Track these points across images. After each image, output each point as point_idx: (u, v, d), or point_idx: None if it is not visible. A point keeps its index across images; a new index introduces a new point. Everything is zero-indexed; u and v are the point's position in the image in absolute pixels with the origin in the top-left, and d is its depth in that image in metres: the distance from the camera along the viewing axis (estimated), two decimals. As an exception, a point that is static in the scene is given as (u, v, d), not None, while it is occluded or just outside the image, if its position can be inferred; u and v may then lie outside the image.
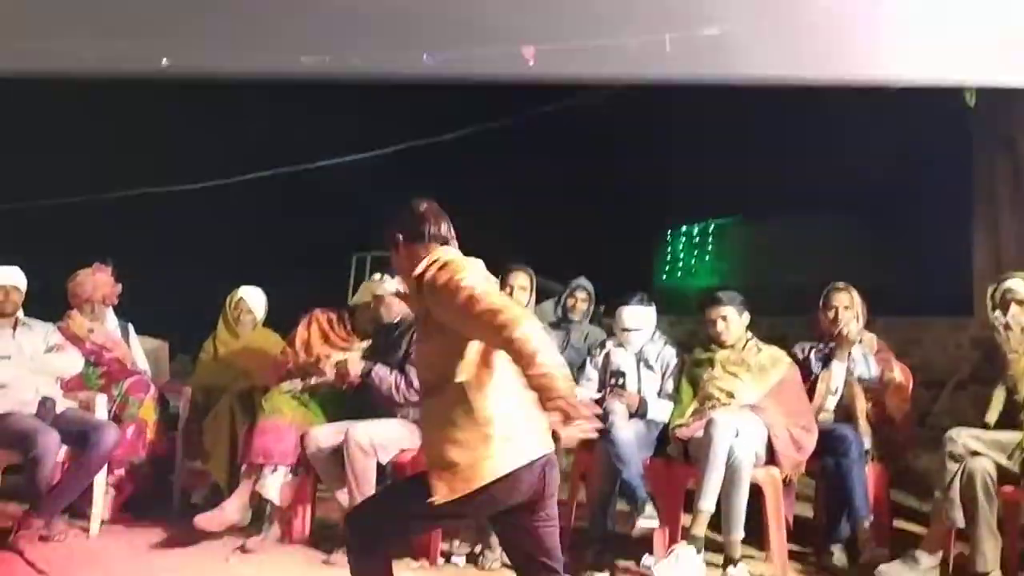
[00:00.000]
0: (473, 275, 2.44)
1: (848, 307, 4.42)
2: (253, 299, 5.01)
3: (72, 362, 4.47)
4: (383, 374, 4.15)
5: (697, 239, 12.59)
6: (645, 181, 10.46)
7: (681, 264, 12.70)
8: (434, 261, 2.48)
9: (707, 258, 12.51)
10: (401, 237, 2.57)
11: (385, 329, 4.38)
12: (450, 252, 2.54)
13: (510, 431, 2.41)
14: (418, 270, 2.48)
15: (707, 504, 3.73)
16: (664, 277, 12.76)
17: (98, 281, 4.86)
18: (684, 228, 12.70)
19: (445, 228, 2.57)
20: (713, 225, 12.44)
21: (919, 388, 4.76)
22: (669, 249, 12.89)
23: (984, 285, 4.55)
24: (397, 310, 4.31)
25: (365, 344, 4.53)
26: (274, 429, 4.19)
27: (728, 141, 9.41)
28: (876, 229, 9.89)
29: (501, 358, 2.40)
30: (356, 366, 4.20)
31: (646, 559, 3.91)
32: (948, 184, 7.62)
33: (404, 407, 4.14)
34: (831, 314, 4.42)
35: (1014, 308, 3.95)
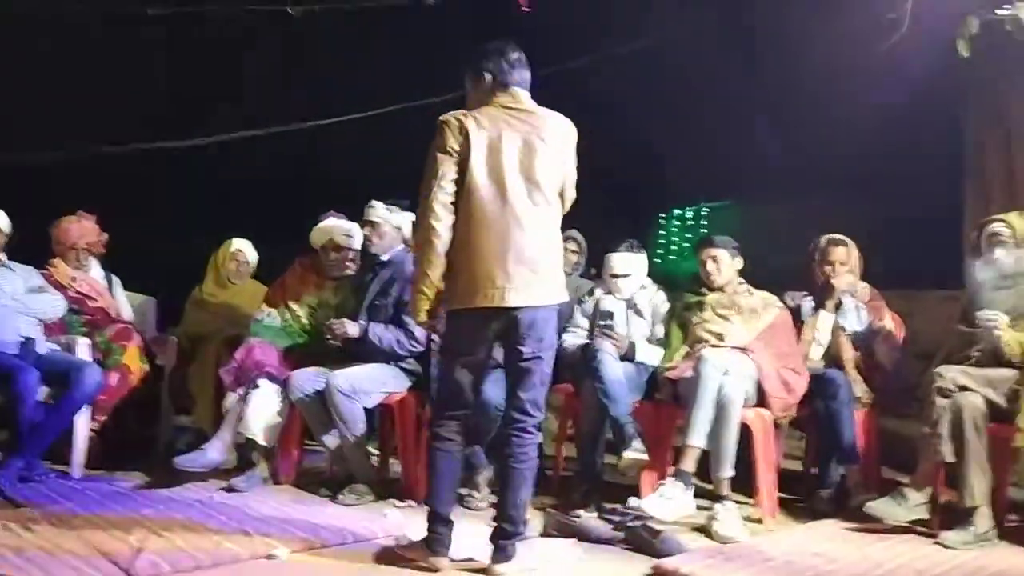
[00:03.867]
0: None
1: (844, 263, 4.39)
2: (248, 250, 5.09)
3: (54, 304, 4.41)
4: (379, 331, 4.08)
5: (691, 222, 12.56)
6: (638, 165, 10.41)
7: (675, 247, 12.67)
8: None
9: (700, 241, 12.46)
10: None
11: (375, 264, 4.29)
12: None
13: None
14: None
15: (695, 439, 3.67)
16: (659, 260, 12.74)
17: (83, 228, 4.82)
18: (676, 212, 12.67)
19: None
20: (706, 209, 12.41)
21: (911, 359, 4.72)
22: (663, 232, 12.86)
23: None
24: (389, 242, 4.24)
25: (332, 284, 4.53)
26: (259, 345, 4.26)
27: (717, 126, 9.36)
28: (866, 207, 9.84)
29: None
30: (352, 327, 4.12)
31: (632, 501, 3.85)
32: (939, 159, 7.61)
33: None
34: (828, 268, 4.39)
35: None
